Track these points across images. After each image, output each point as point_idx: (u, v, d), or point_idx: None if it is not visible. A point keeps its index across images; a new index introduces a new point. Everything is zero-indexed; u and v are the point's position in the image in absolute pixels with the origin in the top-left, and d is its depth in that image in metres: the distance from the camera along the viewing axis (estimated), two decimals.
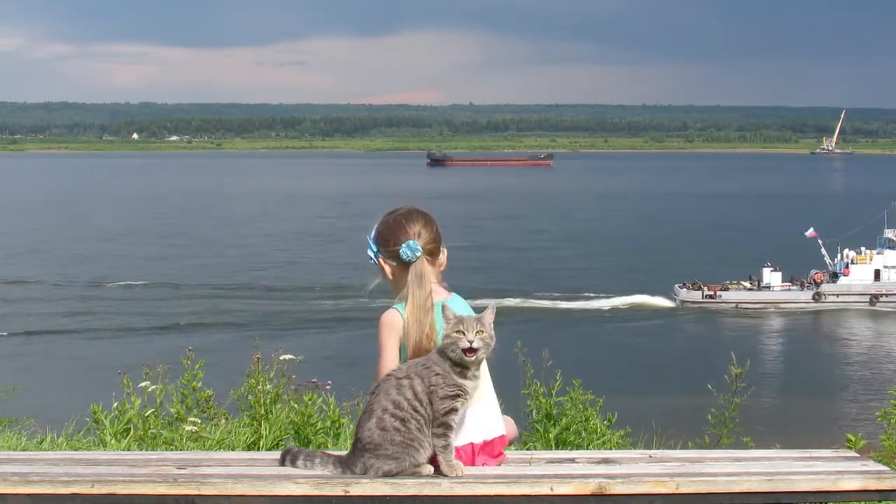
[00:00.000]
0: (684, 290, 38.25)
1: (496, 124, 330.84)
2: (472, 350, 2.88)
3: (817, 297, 38.87)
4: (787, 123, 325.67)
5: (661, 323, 35.50)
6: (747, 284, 39.39)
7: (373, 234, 3.27)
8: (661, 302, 37.91)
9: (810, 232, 40.49)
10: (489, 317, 2.95)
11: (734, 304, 38.40)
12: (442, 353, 2.91)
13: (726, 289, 38.84)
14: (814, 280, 39.42)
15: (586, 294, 38.51)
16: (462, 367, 2.90)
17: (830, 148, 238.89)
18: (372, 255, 3.25)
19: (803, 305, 38.58)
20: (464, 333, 2.88)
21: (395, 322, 3.13)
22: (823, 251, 40.29)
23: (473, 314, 3.05)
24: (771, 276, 39.38)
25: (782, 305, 38.60)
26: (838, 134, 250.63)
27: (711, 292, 38.19)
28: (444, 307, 2.97)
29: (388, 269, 3.23)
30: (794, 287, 39.44)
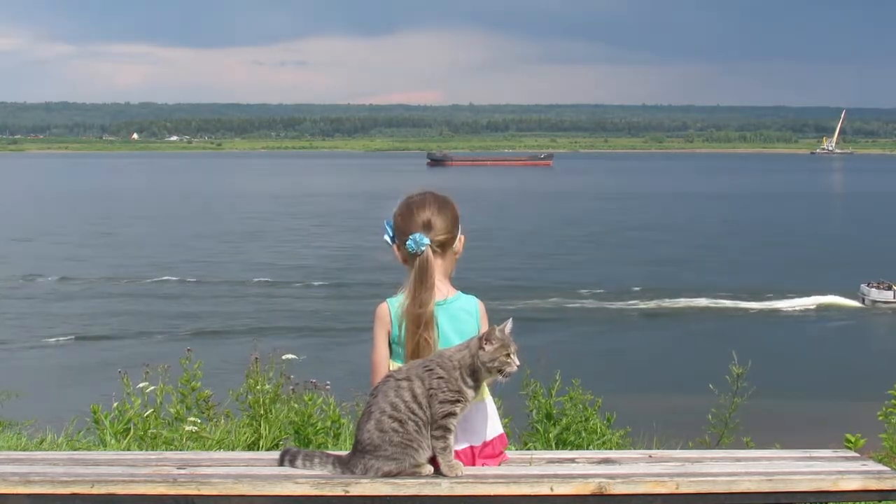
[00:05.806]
0: (874, 289, 36.93)
1: (496, 124, 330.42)
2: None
3: None
4: (787, 123, 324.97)
5: (857, 323, 33.73)
6: None
7: (390, 218, 3.21)
8: (849, 302, 36.16)
9: None
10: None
11: None
12: (472, 364, 2.88)
13: None
14: None
15: (767, 295, 36.38)
16: (475, 378, 2.89)
17: (831, 148, 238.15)
18: (388, 239, 3.18)
19: None
20: (510, 357, 2.88)
21: (382, 314, 3.10)
22: None
23: (476, 316, 3.09)
24: None
25: None
26: (838, 134, 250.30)
27: None
28: (492, 328, 2.90)
29: (400, 256, 3.17)
30: None
